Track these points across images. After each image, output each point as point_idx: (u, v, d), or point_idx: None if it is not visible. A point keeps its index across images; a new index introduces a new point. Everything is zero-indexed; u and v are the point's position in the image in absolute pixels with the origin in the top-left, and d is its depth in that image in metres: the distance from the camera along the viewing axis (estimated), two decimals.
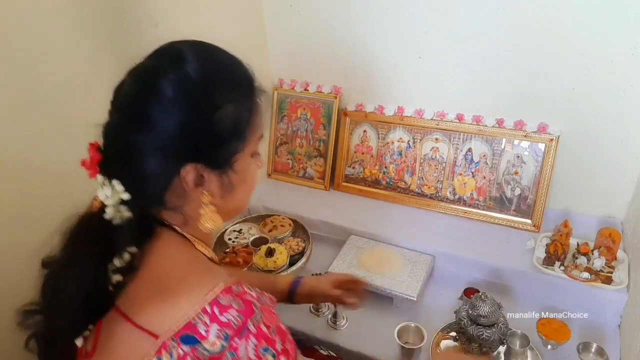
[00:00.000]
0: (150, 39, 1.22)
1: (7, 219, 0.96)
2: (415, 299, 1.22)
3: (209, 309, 0.55)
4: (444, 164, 1.53)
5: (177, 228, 0.63)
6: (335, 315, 1.22)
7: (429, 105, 1.54)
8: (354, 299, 1.03)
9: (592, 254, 1.24)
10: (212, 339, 0.54)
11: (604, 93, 1.29)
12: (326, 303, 1.25)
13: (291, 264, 1.34)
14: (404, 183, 1.60)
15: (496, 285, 1.28)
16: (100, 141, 0.62)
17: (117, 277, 0.58)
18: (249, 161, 0.66)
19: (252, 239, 1.46)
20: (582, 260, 1.23)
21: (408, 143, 1.58)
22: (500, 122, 1.44)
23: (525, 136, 1.40)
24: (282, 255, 1.33)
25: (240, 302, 0.56)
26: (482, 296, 1.04)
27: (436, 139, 1.53)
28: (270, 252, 1.33)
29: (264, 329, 0.56)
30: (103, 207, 0.59)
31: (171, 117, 0.58)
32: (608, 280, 1.17)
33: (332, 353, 1.16)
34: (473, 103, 1.47)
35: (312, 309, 1.27)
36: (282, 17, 1.64)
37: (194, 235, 0.65)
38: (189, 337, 0.54)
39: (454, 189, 1.52)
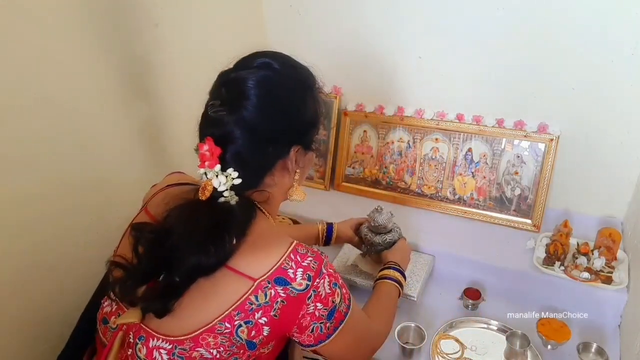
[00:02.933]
0: (150, 39, 1.23)
1: (5, 219, 0.96)
2: (415, 299, 1.22)
3: (293, 257, 0.71)
4: (444, 164, 1.53)
5: (260, 206, 0.78)
6: None
7: (429, 105, 1.54)
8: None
9: (592, 254, 1.24)
10: (299, 280, 0.70)
11: (604, 93, 1.29)
12: None
13: None
14: (404, 183, 1.60)
15: (496, 285, 1.28)
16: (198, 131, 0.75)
17: (233, 242, 0.70)
18: (316, 143, 0.85)
19: None
20: (582, 260, 1.23)
21: (408, 143, 1.58)
22: (500, 122, 1.44)
23: (525, 136, 1.40)
24: None
25: (311, 252, 0.74)
26: (378, 208, 1.21)
27: (436, 139, 1.53)
28: None
29: (330, 270, 0.75)
30: (215, 193, 0.72)
31: (283, 110, 0.76)
32: (608, 280, 1.17)
33: None
34: (473, 103, 1.47)
35: None
36: (282, 17, 1.64)
37: (267, 211, 0.80)
38: (281, 279, 0.70)
39: (454, 189, 1.52)
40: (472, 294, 1.23)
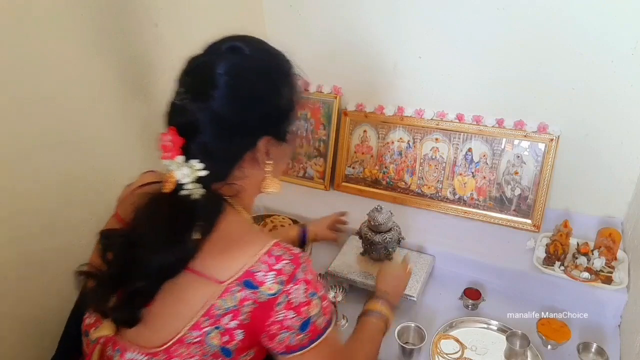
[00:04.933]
0: (150, 39, 1.23)
1: (4, 218, 0.96)
2: (415, 299, 1.22)
3: (266, 258, 0.66)
4: (444, 164, 1.53)
5: (229, 200, 0.73)
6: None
7: (429, 105, 1.54)
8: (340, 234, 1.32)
9: (592, 254, 1.24)
10: (269, 284, 0.65)
11: (604, 93, 1.29)
12: None
13: None
14: (404, 183, 1.60)
15: (496, 285, 1.28)
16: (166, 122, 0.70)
17: (196, 238, 0.66)
18: (292, 134, 0.79)
19: None
20: (582, 260, 1.23)
21: (408, 143, 1.58)
22: (500, 122, 1.44)
23: (525, 136, 1.40)
24: None
25: (289, 254, 0.68)
26: (378, 208, 1.20)
27: (436, 139, 1.53)
28: None
29: (310, 277, 0.69)
30: (178, 186, 0.67)
31: (253, 99, 0.70)
32: (608, 280, 1.17)
33: None
34: (473, 103, 1.47)
35: None
36: (282, 17, 1.64)
37: (241, 205, 0.75)
38: (250, 283, 0.65)
39: (454, 189, 1.52)
40: (472, 294, 1.23)
